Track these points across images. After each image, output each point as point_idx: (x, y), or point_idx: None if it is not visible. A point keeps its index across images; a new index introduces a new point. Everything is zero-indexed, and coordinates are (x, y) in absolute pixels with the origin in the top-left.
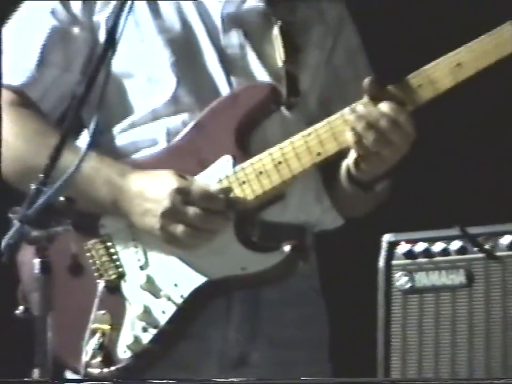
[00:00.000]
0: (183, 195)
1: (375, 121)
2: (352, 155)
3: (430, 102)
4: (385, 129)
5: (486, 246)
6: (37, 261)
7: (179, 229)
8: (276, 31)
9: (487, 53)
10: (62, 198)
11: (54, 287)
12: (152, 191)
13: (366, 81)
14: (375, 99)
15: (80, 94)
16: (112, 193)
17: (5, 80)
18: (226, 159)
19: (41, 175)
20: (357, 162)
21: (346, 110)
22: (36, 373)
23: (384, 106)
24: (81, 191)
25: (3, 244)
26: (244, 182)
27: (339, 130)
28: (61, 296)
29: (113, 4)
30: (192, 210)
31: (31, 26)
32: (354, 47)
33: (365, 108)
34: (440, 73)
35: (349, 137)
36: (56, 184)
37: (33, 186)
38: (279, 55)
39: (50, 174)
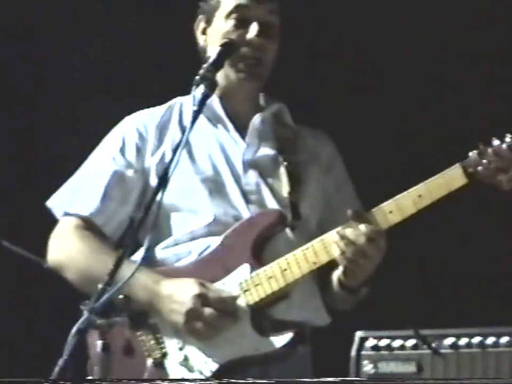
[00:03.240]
0: (202, 299)
1: (355, 239)
2: (341, 266)
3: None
4: (363, 246)
5: (433, 345)
6: (99, 342)
7: (198, 325)
8: (282, 169)
9: (440, 187)
10: (120, 296)
11: (112, 363)
12: (178, 295)
13: (349, 211)
14: (357, 222)
15: (138, 220)
16: (148, 296)
17: (71, 207)
18: (245, 267)
19: (107, 278)
20: (345, 272)
21: (334, 231)
22: None
23: (363, 227)
24: (127, 294)
25: (74, 329)
26: (257, 285)
27: (330, 245)
28: (117, 369)
29: (161, 151)
30: (208, 311)
31: (97, 170)
32: (342, 180)
33: (348, 229)
34: (406, 203)
35: (335, 251)
36: (117, 286)
37: (100, 286)
38: (284, 188)
39: (113, 278)
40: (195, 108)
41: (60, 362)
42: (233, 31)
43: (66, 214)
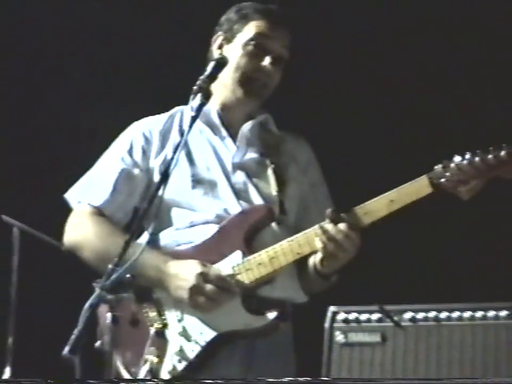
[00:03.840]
0: (203, 277)
1: (335, 235)
2: (318, 256)
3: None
4: (341, 241)
5: (395, 318)
6: (109, 315)
7: (200, 299)
8: (269, 171)
9: (409, 194)
10: (128, 276)
11: (119, 333)
12: (183, 273)
13: (328, 210)
14: (334, 221)
15: (143, 209)
16: (157, 274)
17: (85, 198)
18: (238, 253)
19: (116, 260)
20: (321, 261)
21: (317, 226)
22: None
23: (341, 226)
24: (138, 272)
25: (87, 304)
26: (248, 269)
27: (312, 239)
28: (124, 338)
29: (163, 154)
30: (209, 287)
31: (108, 168)
32: (317, 181)
33: (328, 226)
34: (379, 206)
35: (317, 244)
36: (125, 266)
37: (110, 266)
38: (273, 187)
39: (121, 259)
40: (193, 114)
41: (75, 331)
42: (250, 55)
43: (80, 203)
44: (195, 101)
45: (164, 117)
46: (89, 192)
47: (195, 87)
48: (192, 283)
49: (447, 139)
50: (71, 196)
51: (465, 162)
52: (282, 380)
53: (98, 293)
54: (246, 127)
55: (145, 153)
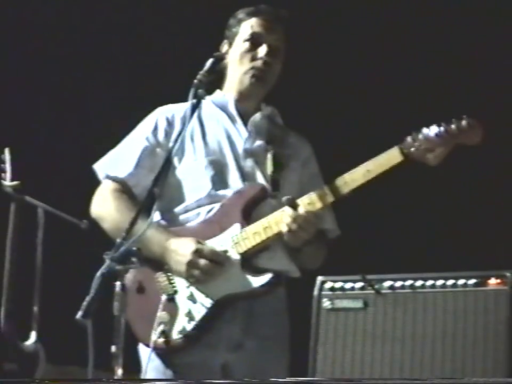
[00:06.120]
0: (199, 253)
1: (296, 217)
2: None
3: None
4: (301, 224)
5: (376, 286)
6: (118, 283)
7: (196, 272)
8: (268, 155)
9: (383, 164)
10: (134, 248)
11: (127, 299)
12: (181, 250)
13: (284, 198)
14: (293, 207)
15: (149, 190)
16: (160, 250)
17: (111, 170)
18: (236, 226)
19: (124, 234)
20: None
21: (286, 209)
22: (113, 348)
23: (301, 209)
24: (144, 246)
25: (98, 273)
26: (245, 238)
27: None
28: (132, 304)
29: (181, 138)
30: (203, 262)
31: (134, 144)
32: (315, 174)
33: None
34: (356, 176)
35: (282, 227)
36: (132, 239)
37: (118, 240)
38: (269, 168)
39: (129, 233)
40: (194, 101)
41: (87, 298)
42: (248, 50)
43: (107, 176)
44: (197, 92)
45: (185, 105)
46: (115, 165)
47: (195, 81)
48: (188, 258)
49: (417, 114)
50: (99, 167)
51: (431, 132)
52: (284, 380)
53: (108, 263)
54: (257, 116)
55: (167, 135)
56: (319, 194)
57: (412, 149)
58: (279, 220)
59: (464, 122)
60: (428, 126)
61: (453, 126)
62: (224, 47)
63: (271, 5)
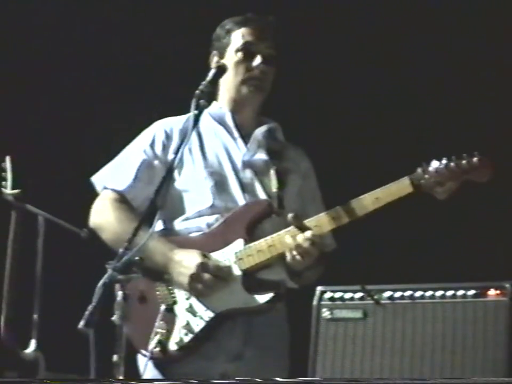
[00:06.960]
0: (203, 266)
1: (302, 243)
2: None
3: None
4: (307, 248)
5: (375, 297)
6: (120, 293)
7: (198, 286)
8: (272, 172)
9: (392, 193)
10: (136, 258)
11: (129, 308)
12: (186, 262)
13: (289, 215)
14: (299, 228)
15: (151, 200)
16: (163, 260)
17: (109, 183)
18: (240, 241)
19: (126, 243)
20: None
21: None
22: (115, 357)
23: (308, 233)
24: (147, 256)
25: (101, 282)
26: (249, 255)
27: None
28: (133, 314)
29: (180, 151)
30: (207, 276)
31: (132, 157)
32: (314, 187)
33: (298, 236)
34: (366, 203)
35: (288, 256)
36: (134, 249)
37: (121, 250)
38: (273, 185)
39: (131, 243)
40: (196, 112)
41: (89, 307)
42: (243, 60)
43: (105, 188)
44: (198, 102)
45: (183, 118)
46: (113, 177)
47: (197, 91)
48: (192, 271)
49: (427, 146)
50: (97, 179)
51: (442, 166)
52: (284, 380)
53: (110, 273)
54: (259, 131)
55: (165, 148)
56: (327, 217)
57: (422, 181)
58: (283, 240)
59: (475, 159)
60: (438, 159)
61: (463, 162)
62: (215, 59)
63: (257, 13)
